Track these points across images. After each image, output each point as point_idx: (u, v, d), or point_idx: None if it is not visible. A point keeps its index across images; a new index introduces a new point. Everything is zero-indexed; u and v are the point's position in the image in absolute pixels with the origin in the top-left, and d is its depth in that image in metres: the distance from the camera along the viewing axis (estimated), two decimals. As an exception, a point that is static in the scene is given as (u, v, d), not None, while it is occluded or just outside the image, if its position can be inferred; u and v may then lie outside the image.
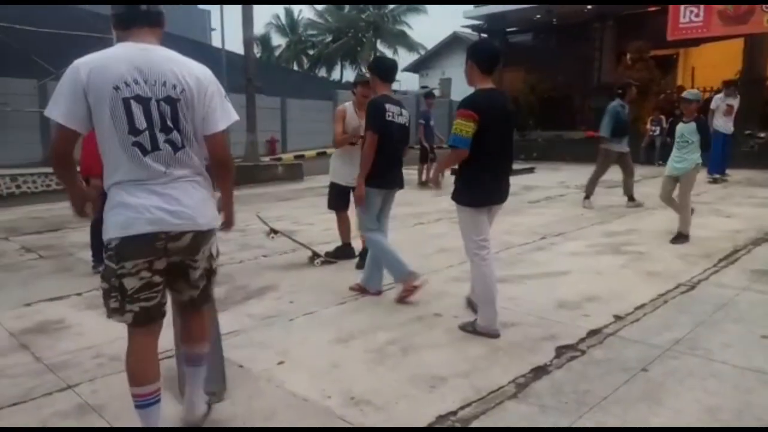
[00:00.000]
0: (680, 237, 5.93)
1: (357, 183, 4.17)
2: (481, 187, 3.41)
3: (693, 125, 5.84)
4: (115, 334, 3.44)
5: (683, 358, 3.06)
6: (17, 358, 3.23)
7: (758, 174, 11.62)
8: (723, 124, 10.26)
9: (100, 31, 13.35)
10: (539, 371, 2.94)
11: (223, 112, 2.19)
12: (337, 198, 5.26)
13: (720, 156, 10.43)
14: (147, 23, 2.10)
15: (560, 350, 3.20)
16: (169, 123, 2.07)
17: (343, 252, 5.40)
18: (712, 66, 15.92)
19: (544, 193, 10.03)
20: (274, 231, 5.46)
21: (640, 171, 13.01)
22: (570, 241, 6.07)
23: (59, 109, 2.00)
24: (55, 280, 4.90)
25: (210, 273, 2.34)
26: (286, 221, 7.32)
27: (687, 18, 14.40)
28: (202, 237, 2.18)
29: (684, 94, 6.13)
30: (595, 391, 2.72)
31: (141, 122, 2.02)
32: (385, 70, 4.27)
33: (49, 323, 3.78)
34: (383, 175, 4.16)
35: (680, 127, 5.97)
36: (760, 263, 4.98)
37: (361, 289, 4.33)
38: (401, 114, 4.25)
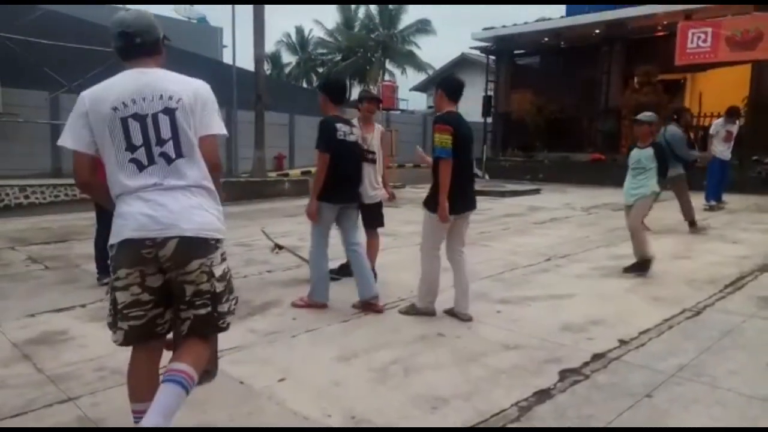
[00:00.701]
0: (637, 266, 5.48)
1: (310, 199, 4.37)
2: (455, 197, 3.89)
3: (650, 150, 5.50)
4: (118, 347, 3.45)
5: (688, 385, 3.03)
6: (19, 368, 3.23)
7: (765, 200, 11.60)
8: (721, 150, 9.97)
9: (111, 45, 13.56)
10: (542, 395, 2.92)
11: (216, 120, 2.26)
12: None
13: (717, 183, 10.25)
14: (145, 54, 2.23)
15: (564, 374, 3.17)
16: (166, 134, 2.13)
17: (349, 270, 5.39)
18: (719, 91, 15.96)
19: (549, 214, 10.01)
20: (278, 246, 5.47)
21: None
22: (575, 263, 6.05)
23: (68, 137, 2.16)
24: (60, 291, 4.91)
25: (214, 298, 2.17)
26: (292, 237, 7.32)
27: (695, 43, 14.48)
28: (189, 245, 2.09)
29: (638, 116, 5.70)
30: (599, 416, 2.69)
31: (138, 139, 2.11)
32: (336, 91, 4.59)
33: (53, 334, 3.79)
34: (336, 190, 4.35)
35: (635, 153, 5.62)
36: (766, 290, 4.94)
37: (365, 306, 4.34)
38: (352, 132, 4.50)
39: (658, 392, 2.94)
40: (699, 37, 14.37)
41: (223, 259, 2.23)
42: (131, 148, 2.10)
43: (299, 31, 39.69)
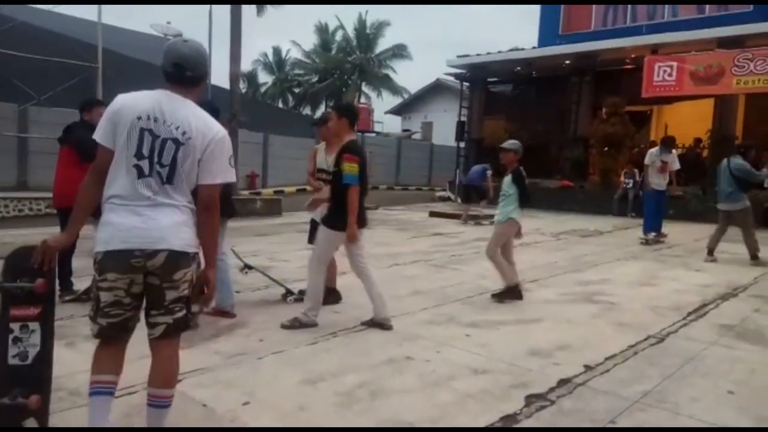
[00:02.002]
0: (506, 292, 5.43)
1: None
2: (359, 214, 4.28)
3: (510, 177, 5.50)
4: (77, 367, 3.35)
5: (651, 411, 3.07)
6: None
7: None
8: (657, 182, 9.60)
9: (85, 59, 13.41)
10: (508, 420, 2.92)
11: (222, 170, 2.39)
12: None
13: (653, 215, 9.85)
14: (189, 84, 2.42)
15: (530, 399, 3.18)
16: (166, 160, 2.31)
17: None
18: (684, 123, 16.52)
19: (518, 239, 10.11)
20: (248, 266, 5.41)
21: (612, 222, 13.34)
22: (543, 288, 6.12)
23: (98, 132, 2.36)
24: (18, 308, 4.75)
25: (187, 301, 2.42)
26: (261, 257, 7.26)
27: (661, 77, 14.97)
28: (177, 257, 2.30)
29: (503, 144, 5.65)
30: (563, 442, 2.70)
31: (147, 150, 2.30)
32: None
33: (9, 353, 3.65)
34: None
35: (504, 179, 5.61)
36: (728, 318, 5.06)
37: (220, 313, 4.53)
38: None
39: (621, 418, 2.97)
40: (665, 71, 14.88)
41: (199, 267, 2.46)
42: (139, 155, 2.29)
43: (276, 51, 39.85)
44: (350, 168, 4.21)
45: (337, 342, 4.11)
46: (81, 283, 5.06)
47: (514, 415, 2.98)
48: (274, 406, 3.00)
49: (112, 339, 2.42)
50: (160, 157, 2.30)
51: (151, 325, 2.39)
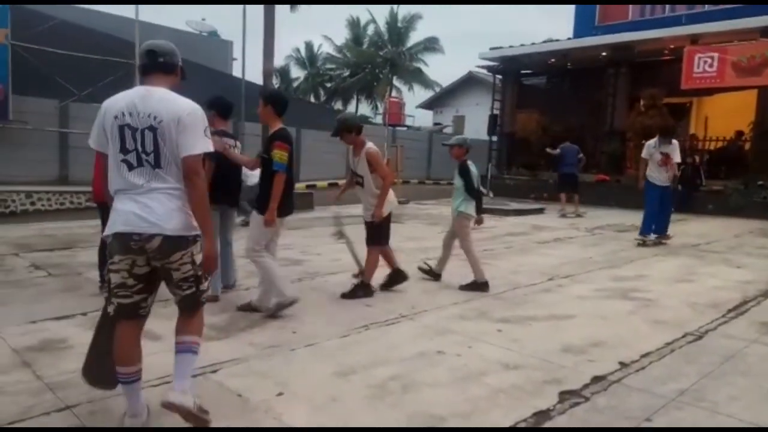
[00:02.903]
0: (473, 285, 5.51)
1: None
2: (283, 203, 4.35)
3: (456, 170, 5.66)
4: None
5: (688, 410, 3.01)
6: (18, 375, 3.23)
7: (770, 225, 11.55)
8: (658, 176, 8.61)
9: (123, 56, 13.71)
10: (541, 416, 2.90)
11: (199, 141, 2.55)
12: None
13: (655, 213, 8.76)
14: (162, 71, 2.65)
15: (563, 395, 3.15)
16: (149, 148, 2.51)
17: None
18: (725, 115, 16.03)
19: (553, 234, 10.00)
20: (341, 234, 5.60)
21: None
22: (578, 284, 6.04)
23: (91, 138, 2.65)
24: (61, 298, 4.93)
25: (197, 280, 2.61)
26: (294, 250, 7.34)
27: (701, 68, 14.54)
28: (171, 241, 2.49)
29: (448, 141, 5.89)
30: (597, 439, 2.67)
31: (130, 144, 2.51)
32: (225, 107, 5.00)
33: (53, 342, 3.79)
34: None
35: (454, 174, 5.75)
36: (770, 316, 4.91)
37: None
38: (236, 146, 5.04)
39: (657, 416, 2.92)
40: (705, 62, 14.44)
41: (201, 246, 2.62)
42: (124, 150, 2.52)
43: (309, 46, 40.05)
44: (280, 156, 4.27)
45: (369, 335, 4.14)
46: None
47: (547, 411, 2.95)
48: (307, 397, 3.05)
49: (126, 323, 2.61)
50: (143, 146, 2.50)
51: (172, 294, 2.66)
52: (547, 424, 2.82)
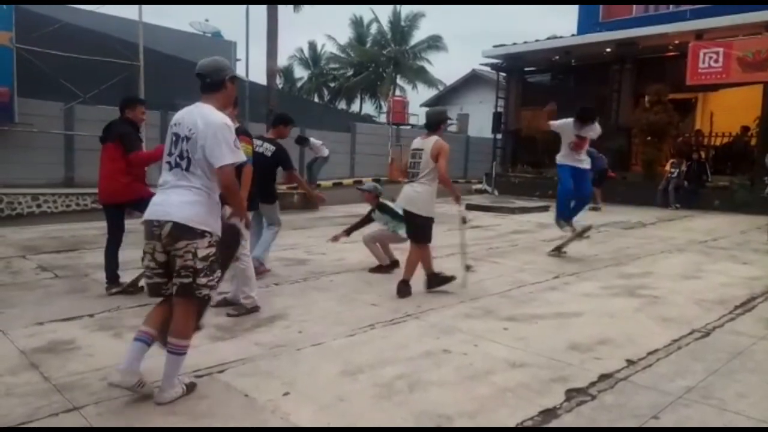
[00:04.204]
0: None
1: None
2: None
3: (377, 212, 6.23)
4: (123, 358, 3.46)
5: (696, 407, 3.00)
6: (26, 377, 3.25)
7: (777, 221, 11.48)
8: (570, 162, 7.39)
9: (127, 58, 13.76)
10: (548, 414, 2.89)
11: (226, 153, 2.87)
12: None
13: (564, 198, 7.51)
14: (209, 90, 3.05)
15: (570, 393, 3.14)
16: (183, 154, 2.92)
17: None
18: (730, 111, 15.94)
19: (558, 232, 9.95)
20: (464, 220, 5.78)
21: (655, 214, 13.00)
22: (584, 281, 6.02)
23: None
24: (68, 300, 4.95)
25: (195, 272, 2.84)
26: (298, 250, 7.35)
27: (706, 63, 14.47)
28: (180, 229, 2.81)
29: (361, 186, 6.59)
30: (605, 437, 2.66)
31: (173, 149, 2.96)
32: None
33: (60, 343, 3.81)
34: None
35: (376, 215, 6.27)
36: (778, 312, 4.88)
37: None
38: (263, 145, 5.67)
39: (665, 414, 2.91)
40: (710, 57, 14.36)
41: (210, 245, 2.90)
42: (169, 153, 2.97)
43: (312, 46, 40.11)
44: (245, 149, 4.34)
45: (375, 334, 4.14)
46: (128, 275, 5.22)
47: (553, 409, 2.95)
48: (314, 396, 3.05)
49: (159, 298, 3.00)
50: (180, 152, 2.92)
51: (174, 285, 2.91)
52: (554, 423, 2.81)
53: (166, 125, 16.56)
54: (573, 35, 18.22)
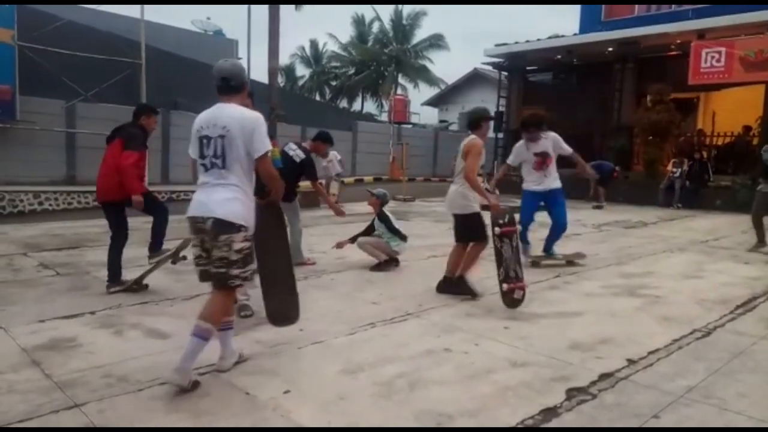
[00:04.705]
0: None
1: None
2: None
3: (376, 219, 6.41)
4: (126, 354, 3.47)
5: (696, 407, 2.99)
6: (28, 374, 3.25)
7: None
8: (532, 179, 6.61)
9: (129, 56, 13.76)
10: (549, 413, 2.89)
11: (265, 142, 3.14)
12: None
13: (524, 230, 6.73)
14: (233, 92, 3.21)
15: (571, 392, 3.14)
16: (219, 152, 3.11)
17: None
18: (732, 111, 15.92)
19: (559, 231, 9.94)
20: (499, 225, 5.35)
21: (657, 213, 12.99)
22: (585, 280, 6.01)
23: (190, 148, 3.27)
24: (70, 297, 4.95)
25: (229, 263, 3.07)
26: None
27: (708, 63, 14.45)
28: (220, 224, 3.03)
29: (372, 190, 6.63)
30: (605, 436, 2.66)
31: (206, 151, 3.14)
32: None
33: (62, 341, 3.81)
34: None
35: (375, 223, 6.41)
36: (779, 312, 4.88)
37: None
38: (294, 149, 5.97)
39: (665, 413, 2.91)
40: (713, 57, 14.34)
41: (245, 239, 3.12)
42: (202, 156, 3.16)
43: (314, 44, 40.11)
44: (274, 152, 4.51)
45: (376, 333, 4.14)
46: (130, 273, 5.22)
47: (554, 408, 2.94)
48: (315, 395, 3.05)
49: (211, 285, 3.24)
50: (215, 152, 3.10)
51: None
52: (555, 422, 2.81)
53: (168, 123, 16.67)
54: (575, 34, 18.20)
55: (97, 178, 5.18)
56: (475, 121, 5.22)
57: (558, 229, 6.78)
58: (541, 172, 6.54)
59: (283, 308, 3.75)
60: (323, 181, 14.16)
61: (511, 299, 4.79)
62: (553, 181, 6.57)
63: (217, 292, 3.20)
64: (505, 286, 4.80)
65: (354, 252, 6.49)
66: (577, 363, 3.59)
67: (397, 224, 6.35)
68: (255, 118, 3.13)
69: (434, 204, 14.26)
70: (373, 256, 6.28)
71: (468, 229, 5.20)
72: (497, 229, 4.90)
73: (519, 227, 5.65)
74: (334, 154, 14.70)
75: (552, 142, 6.49)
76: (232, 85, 3.21)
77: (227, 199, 3.07)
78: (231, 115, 3.10)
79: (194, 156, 3.24)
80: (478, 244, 5.19)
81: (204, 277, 3.23)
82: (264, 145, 3.12)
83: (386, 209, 6.45)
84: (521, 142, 6.68)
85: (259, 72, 21.17)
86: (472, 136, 5.14)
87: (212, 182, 3.12)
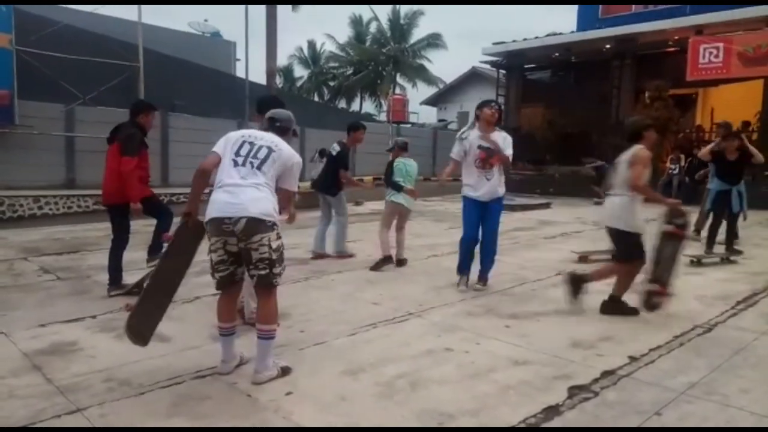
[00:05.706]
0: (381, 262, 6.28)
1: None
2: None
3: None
4: (127, 358, 3.47)
5: (698, 403, 3.00)
6: (29, 379, 3.25)
7: (779, 216, 11.47)
8: (472, 183, 5.49)
9: (127, 59, 13.76)
10: (551, 412, 2.89)
11: (294, 181, 3.34)
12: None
13: (466, 248, 5.64)
14: (277, 131, 3.39)
15: (573, 391, 3.14)
16: (261, 156, 3.20)
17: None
18: (731, 106, 15.90)
19: (560, 228, 9.97)
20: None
21: (657, 210, 12.96)
22: (585, 278, 5.99)
23: (218, 146, 3.29)
24: (71, 301, 4.95)
25: (271, 263, 3.13)
26: (300, 249, 7.35)
27: (707, 59, 14.45)
28: (254, 223, 3.05)
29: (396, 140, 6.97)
30: (607, 434, 2.66)
31: (245, 151, 3.22)
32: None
33: (63, 345, 3.81)
34: None
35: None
36: (780, 307, 4.88)
37: None
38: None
39: (667, 410, 2.91)
40: (711, 53, 14.35)
41: (279, 237, 3.19)
42: (237, 154, 3.21)
43: (311, 45, 40.07)
44: None
45: (377, 333, 4.14)
46: (131, 276, 5.22)
47: (556, 406, 2.95)
48: (316, 396, 3.05)
49: (225, 290, 3.30)
50: (256, 154, 3.20)
51: (251, 277, 3.22)
52: (557, 420, 2.81)
53: (166, 125, 16.58)
54: (572, 32, 18.21)
55: (103, 180, 5.17)
56: (636, 132, 4.74)
57: (490, 249, 5.75)
58: (482, 171, 5.44)
59: (143, 324, 3.34)
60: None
61: (651, 302, 4.55)
62: (497, 185, 5.63)
63: (262, 295, 3.24)
64: (652, 286, 4.56)
65: (354, 252, 6.49)
66: (578, 361, 3.59)
67: (398, 177, 6.45)
68: (298, 161, 3.34)
69: (434, 203, 14.26)
70: (382, 247, 6.34)
71: (618, 246, 4.82)
72: (669, 227, 4.67)
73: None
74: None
75: (500, 139, 5.36)
76: (278, 126, 3.42)
77: (257, 198, 3.10)
78: (284, 145, 3.29)
79: (223, 152, 3.24)
80: (626, 264, 4.75)
81: (227, 280, 3.25)
82: (294, 185, 3.35)
83: (403, 160, 6.56)
84: (468, 132, 5.53)
85: (257, 73, 21.14)
86: (639, 146, 4.64)
87: (239, 182, 3.12)
